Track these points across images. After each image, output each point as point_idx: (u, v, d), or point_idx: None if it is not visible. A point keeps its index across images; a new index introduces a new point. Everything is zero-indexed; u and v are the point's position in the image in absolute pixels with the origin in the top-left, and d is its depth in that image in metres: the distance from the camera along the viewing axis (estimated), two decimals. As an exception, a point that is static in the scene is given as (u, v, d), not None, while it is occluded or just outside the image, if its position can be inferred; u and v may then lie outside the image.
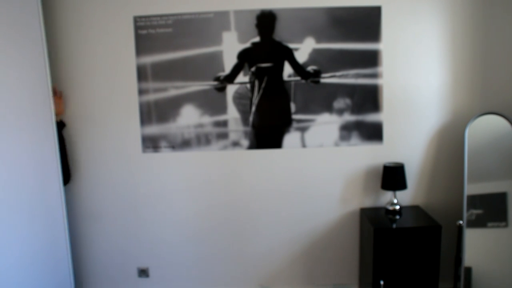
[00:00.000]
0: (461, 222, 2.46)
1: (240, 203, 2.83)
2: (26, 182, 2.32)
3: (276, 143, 2.76)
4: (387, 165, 2.64)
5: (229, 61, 2.68)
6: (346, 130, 2.72)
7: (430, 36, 2.63)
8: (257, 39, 2.66)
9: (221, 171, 2.80)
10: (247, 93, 2.71)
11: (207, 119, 2.74)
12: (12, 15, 2.26)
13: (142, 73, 2.72)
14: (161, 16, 2.65)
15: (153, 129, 2.77)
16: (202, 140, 2.77)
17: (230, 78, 2.69)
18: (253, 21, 2.64)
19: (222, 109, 2.72)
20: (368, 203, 2.80)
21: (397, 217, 2.61)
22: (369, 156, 2.74)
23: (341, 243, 2.85)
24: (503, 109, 2.54)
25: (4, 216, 2.12)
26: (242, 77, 2.69)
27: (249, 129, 2.74)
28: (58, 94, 2.66)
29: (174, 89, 2.72)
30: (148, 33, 2.68)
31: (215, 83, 2.70)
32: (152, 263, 2.92)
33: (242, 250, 2.89)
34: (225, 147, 2.77)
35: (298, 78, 2.68)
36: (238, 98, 2.71)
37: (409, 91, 2.67)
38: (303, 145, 2.75)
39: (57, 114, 2.61)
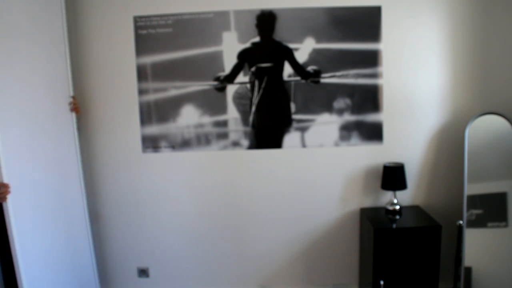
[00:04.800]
0: (461, 222, 2.46)
1: (240, 203, 2.83)
2: (50, 182, 2.33)
3: (276, 143, 2.76)
4: (387, 165, 2.64)
5: (229, 61, 2.68)
6: (346, 130, 2.72)
7: (430, 36, 2.63)
8: (257, 39, 2.66)
9: (221, 171, 2.80)
10: (247, 93, 2.71)
11: (207, 119, 2.74)
12: (37, 17, 2.28)
13: (142, 73, 2.72)
14: (161, 16, 2.65)
15: (153, 129, 2.77)
16: (202, 140, 2.77)
17: (230, 78, 2.69)
18: (253, 21, 2.64)
19: (222, 109, 2.72)
20: (368, 203, 2.80)
21: (397, 217, 2.61)
22: (369, 156, 2.74)
23: (341, 243, 2.85)
24: (503, 109, 2.54)
25: (32, 216, 2.12)
26: (242, 77, 2.69)
27: (249, 129, 2.74)
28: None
29: (174, 89, 2.72)
30: (148, 33, 2.68)
31: (215, 83, 2.70)
32: (152, 263, 2.92)
33: (242, 250, 2.88)
34: (225, 147, 2.77)
35: (298, 78, 2.68)
36: (238, 98, 2.71)
37: (409, 91, 2.67)
38: (303, 145, 2.75)
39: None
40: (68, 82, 2.50)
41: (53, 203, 2.34)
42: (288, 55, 2.66)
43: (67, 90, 2.50)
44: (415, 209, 2.71)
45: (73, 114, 2.53)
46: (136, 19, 2.67)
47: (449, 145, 2.71)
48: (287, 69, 2.67)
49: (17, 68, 2.12)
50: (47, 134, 2.34)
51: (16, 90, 2.10)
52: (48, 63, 2.38)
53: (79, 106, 2.59)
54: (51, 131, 2.37)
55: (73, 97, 2.53)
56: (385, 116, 2.70)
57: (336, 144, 2.74)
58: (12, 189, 1.92)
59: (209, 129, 2.75)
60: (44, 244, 2.19)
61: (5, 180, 1.91)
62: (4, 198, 1.90)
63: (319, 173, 2.78)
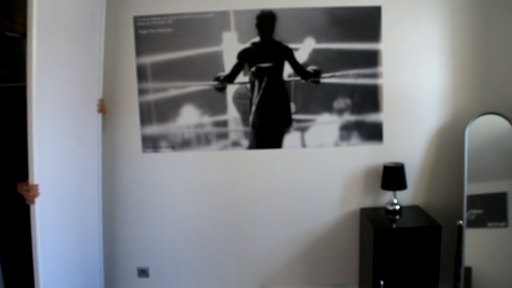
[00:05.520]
0: (461, 222, 2.46)
1: (240, 203, 2.83)
2: (73, 183, 2.30)
3: (276, 143, 2.76)
4: (387, 165, 2.64)
5: (229, 61, 2.68)
6: (346, 130, 2.72)
7: (430, 36, 2.63)
8: (257, 39, 2.66)
9: (221, 171, 2.80)
10: (247, 93, 2.71)
11: (207, 119, 2.74)
12: (80, 16, 2.27)
13: (142, 73, 2.72)
14: (161, 16, 2.65)
15: (153, 129, 2.77)
16: (202, 140, 2.77)
17: (230, 78, 2.69)
18: (253, 21, 2.64)
19: (222, 109, 2.72)
20: (368, 203, 2.80)
21: (397, 217, 2.60)
22: (369, 156, 2.74)
23: (341, 243, 2.84)
24: (503, 109, 2.54)
25: (54, 217, 2.09)
26: (242, 77, 2.69)
27: (249, 129, 2.74)
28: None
29: (174, 89, 2.72)
30: (148, 33, 2.68)
31: (215, 83, 2.70)
32: (152, 263, 2.92)
33: (242, 250, 2.88)
34: (225, 147, 2.77)
35: (298, 78, 2.68)
36: (238, 98, 2.71)
37: (409, 91, 2.67)
38: (303, 145, 2.75)
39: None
40: (99, 83, 2.48)
41: (74, 203, 2.31)
42: (288, 55, 2.65)
43: (97, 91, 2.48)
44: (415, 209, 2.71)
45: (100, 115, 2.51)
46: (136, 19, 2.67)
47: (449, 145, 2.70)
48: (287, 69, 2.67)
49: (58, 68, 2.08)
50: (76, 135, 2.31)
51: (56, 89, 2.06)
52: (85, 63, 2.34)
53: (105, 108, 2.56)
54: (79, 131, 2.35)
55: (102, 99, 2.51)
56: (385, 116, 2.70)
57: (336, 144, 2.74)
58: (40, 190, 1.88)
59: (209, 129, 2.75)
60: (60, 245, 2.15)
61: (35, 181, 1.86)
62: (33, 201, 1.86)
63: (319, 173, 2.78)
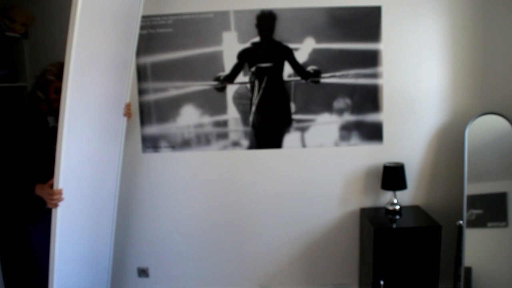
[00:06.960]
0: (461, 222, 2.46)
1: (240, 203, 2.83)
2: (94, 184, 2.27)
3: (276, 143, 2.76)
4: (387, 165, 2.64)
5: (229, 61, 2.68)
6: (346, 130, 2.72)
7: (430, 36, 2.63)
8: (257, 39, 2.66)
9: (221, 171, 2.80)
10: (247, 93, 2.71)
11: (207, 119, 2.74)
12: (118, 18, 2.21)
13: (142, 73, 2.72)
14: (161, 16, 2.65)
15: (153, 129, 2.77)
16: (202, 140, 2.77)
17: (230, 78, 2.69)
18: (253, 21, 2.64)
19: (222, 109, 2.72)
20: (368, 203, 2.80)
21: (397, 217, 2.61)
22: (369, 156, 2.74)
23: (341, 243, 2.85)
24: (503, 109, 2.54)
25: (73, 220, 2.06)
26: (242, 77, 2.69)
27: (249, 129, 2.74)
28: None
29: (174, 89, 2.72)
30: (148, 33, 2.68)
31: (215, 83, 2.70)
32: (152, 263, 2.92)
33: (242, 250, 2.88)
34: (225, 147, 2.77)
35: (298, 78, 2.68)
36: (238, 98, 2.71)
37: (409, 91, 2.67)
38: (303, 145, 2.75)
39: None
40: (128, 86, 2.44)
41: (92, 204, 2.28)
42: (288, 55, 2.65)
43: (125, 94, 2.44)
44: (415, 209, 2.71)
45: (125, 119, 2.47)
46: (136, 19, 2.67)
47: (449, 145, 2.70)
48: (287, 69, 2.67)
49: (94, 67, 2.02)
50: (103, 138, 2.28)
51: (88, 92, 2.01)
52: (116, 64, 2.30)
53: (131, 112, 2.52)
54: (106, 134, 2.32)
55: (129, 103, 2.46)
56: (385, 116, 2.70)
57: (336, 144, 2.74)
58: (64, 194, 1.85)
59: (209, 129, 2.75)
60: (75, 246, 2.13)
61: (60, 186, 1.83)
62: (56, 205, 1.84)
63: (319, 173, 2.78)
